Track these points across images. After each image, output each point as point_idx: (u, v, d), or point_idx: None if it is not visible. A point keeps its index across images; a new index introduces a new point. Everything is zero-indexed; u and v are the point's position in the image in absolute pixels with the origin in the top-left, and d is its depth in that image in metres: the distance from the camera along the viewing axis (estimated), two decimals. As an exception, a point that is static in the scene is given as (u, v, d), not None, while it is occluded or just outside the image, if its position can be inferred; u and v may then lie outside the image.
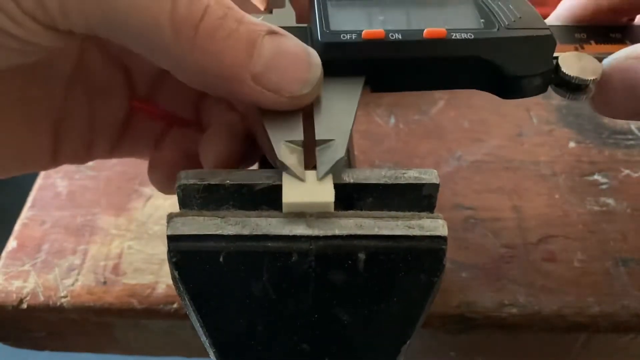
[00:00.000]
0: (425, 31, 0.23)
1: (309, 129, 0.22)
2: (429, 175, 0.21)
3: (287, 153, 0.21)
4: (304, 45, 0.21)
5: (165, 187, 0.28)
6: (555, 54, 0.24)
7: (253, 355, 0.21)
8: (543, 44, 0.24)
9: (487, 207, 0.34)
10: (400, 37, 0.23)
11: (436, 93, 0.42)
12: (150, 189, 0.35)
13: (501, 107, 0.41)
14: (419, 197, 0.21)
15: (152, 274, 0.31)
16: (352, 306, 0.20)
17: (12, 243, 0.33)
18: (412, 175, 0.21)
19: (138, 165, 0.37)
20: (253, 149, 0.27)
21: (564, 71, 0.24)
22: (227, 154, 0.25)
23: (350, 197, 0.22)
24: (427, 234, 0.20)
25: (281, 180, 0.21)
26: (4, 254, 0.32)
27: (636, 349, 0.30)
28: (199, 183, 0.21)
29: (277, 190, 0.21)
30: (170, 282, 0.29)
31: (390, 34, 0.23)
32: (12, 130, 0.24)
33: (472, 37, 0.23)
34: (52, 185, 0.36)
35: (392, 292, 0.20)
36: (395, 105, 0.41)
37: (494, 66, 0.23)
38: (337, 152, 0.21)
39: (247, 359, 0.21)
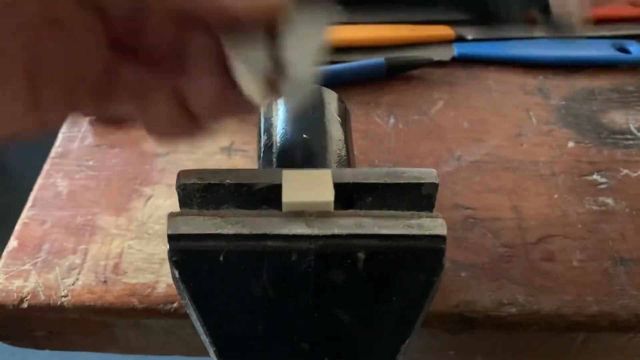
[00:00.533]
0: None
1: (276, 53, 0.21)
2: (429, 175, 0.22)
3: (249, 82, 0.21)
4: None
5: (165, 142, 0.27)
6: None
7: (253, 354, 0.21)
8: None
9: (487, 207, 0.34)
10: None
11: (435, 93, 0.42)
12: (150, 189, 0.35)
13: (501, 107, 0.41)
14: (418, 197, 0.22)
15: (152, 273, 0.31)
16: (351, 305, 0.20)
17: (12, 243, 0.33)
18: (411, 175, 0.22)
19: (138, 165, 0.37)
20: None
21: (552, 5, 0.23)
22: (216, 87, 0.24)
23: (350, 196, 0.22)
24: (427, 233, 0.20)
25: (281, 180, 0.21)
26: (4, 253, 0.33)
27: (635, 348, 0.30)
28: (198, 182, 0.21)
29: (276, 189, 0.21)
30: (171, 281, 0.29)
31: None
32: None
33: None
34: (53, 185, 0.36)
35: (392, 291, 0.20)
36: (395, 105, 0.41)
37: None
38: (305, 81, 0.21)
39: (246, 357, 0.21)
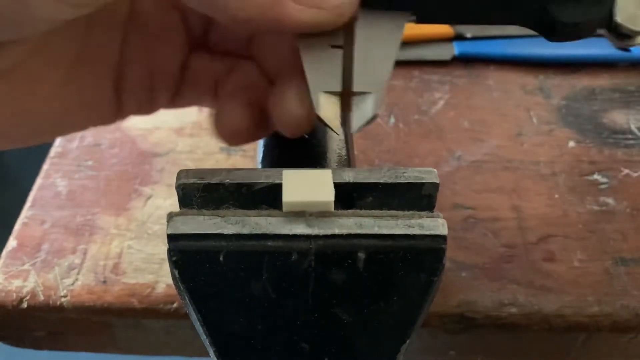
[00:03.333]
0: None
1: (347, 73, 0.21)
2: (429, 175, 0.21)
3: (324, 105, 0.21)
4: None
5: (232, 141, 0.27)
6: None
7: (253, 355, 0.21)
8: None
9: (487, 206, 0.34)
10: None
11: (436, 93, 0.42)
12: (150, 189, 0.35)
13: (501, 107, 0.41)
14: (418, 197, 0.22)
15: (152, 273, 0.31)
16: (351, 305, 0.20)
17: (12, 242, 0.33)
18: (412, 174, 0.22)
19: (138, 165, 0.37)
20: None
21: (618, 19, 0.23)
22: (303, 112, 0.24)
23: (350, 196, 0.22)
24: (427, 233, 0.20)
25: (281, 180, 0.21)
26: (4, 253, 0.32)
27: (636, 348, 0.30)
28: (198, 182, 0.21)
29: (277, 189, 0.21)
30: (170, 281, 0.29)
31: None
32: (75, 84, 0.24)
33: None
34: (52, 185, 0.36)
35: (392, 291, 0.20)
36: (395, 105, 0.41)
37: (543, 5, 0.22)
38: (373, 107, 0.21)
39: (246, 358, 0.21)
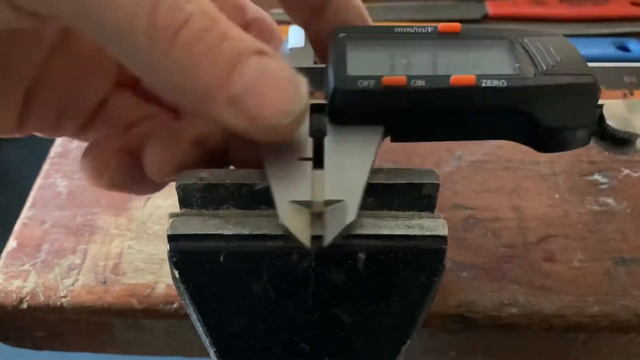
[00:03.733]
0: (451, 78, 0.21)
1: (318, 181, 0.20)
2: (429, 175, 0.22)
3: (291, 215, 0.19)
4: (293, 71, 0.19)
5: (94, 177, 0.24)
6: (600, 102, 0.22)
7: (253, 355, 0.21)
8: (585, 93, 0.22)
9: (487, 207, 0.34)
10: (424, 84, 0.21)
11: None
12: (150, 189, 0.35)
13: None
14: (419, 197, 0.22)
15: (152, 273, 0.31)
16: (352, 306, 0.20)
17: (12, 243, 0.33)
18: (412, 175, 0.22)
19: (138, 165, 0.37)
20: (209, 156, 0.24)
21: (609, 123, 0.22)
22: (172, 154, 0.23)
23: (350, 196, 0.22)
24: (428, 233, 0.20)
25: (281, 180, 0.21)
26: (4, 253, 0.32)
27: (636, 348, 0.30)
28: (199, 182, 0.21)
29: (277, 189, 0.21)
30: (171, 281, 0.29)
31: (413, 81, 0.21)
32: None
33: (505, 84, 0.21)
34: (52, 185, 0.36)
35: (392, 291, 0.20)
36: (395, 105, 0.41)
37: (528, 117, 0.21)
38: (347, 215, 0.19)
39: (247, 358, 0.21)
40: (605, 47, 0.44)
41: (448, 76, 0.21)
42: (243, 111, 0.18)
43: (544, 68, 0.21)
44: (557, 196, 0.35)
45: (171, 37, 0.17)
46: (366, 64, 0.22)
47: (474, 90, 0.21)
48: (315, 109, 0.22)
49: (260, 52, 0.19)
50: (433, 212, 0.22)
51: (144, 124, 0.26)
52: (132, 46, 0.18)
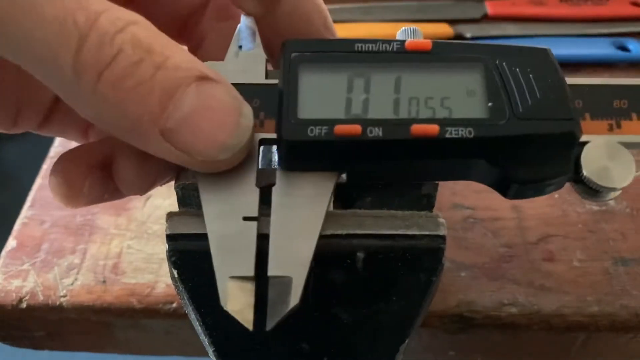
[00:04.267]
0: (412, 127, 0.19)
1: (264, 228, 0.19)
2: (428, 175, 0.21)
3: (233, 293, 0.18)
4: (237, 98, 0.18)
5: (69, 201, 0.22)
6: (582, 138, 0.20)
7: (252, 354, 0.21)
8: (563, 143, 0.20)
9: (487, 206, 0.34)
10: (380, 134, 0.19)
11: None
12: (149, 189, 0.35)
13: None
14: (418, 197, 0.22)
15: (151, 273, 0.31)
16: (351, 305, 0.20)
17: (11, 242, 0.33)
18: (411, 174, 0.21)
19: (137, 165, 0.37)
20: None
21: (586, 174, 0.20)
22: (146, 169, 0.22)
23: (349, 196, 0.22)
24: (426, 233, 0.20)
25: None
26: (3, 253, 0.32)
27: (635, 348, 0.30)
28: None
29: (276, 189, 0.21)
30: (170, 281, 0.29)
31: (369, 129, 0.19)
32: None
33: (472, 134, 0.19)
34: (52, 185, 0.36)
35: (391, 291, 0.20)
36: (394, 105, 0.41)
37: (498, 169, 0.19)
38: (291, 297, 0.18)
39: (246, 357, 0.21)
40: (605, 47, 0.44)
41: (409, 124, 0.19)
42: (177, 145, 0.17)
43: (520, 110, 0.19)
44: (556, 196, 0.35)
45: (97, 74, 0.16)
46: (320, 101, 0.20)
47: (437, 141, 0.19)
48: (265, 142, 0.20)
49: (201, 79, 0.17)
50: (432, 212, 0.22)
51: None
52: (58, 80, 0.17)
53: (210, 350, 0.21)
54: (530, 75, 0.20)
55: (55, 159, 0.37)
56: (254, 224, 0.19)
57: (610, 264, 0.31)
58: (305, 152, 0.19)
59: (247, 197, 0.19)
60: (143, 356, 0.35)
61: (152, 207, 0.34)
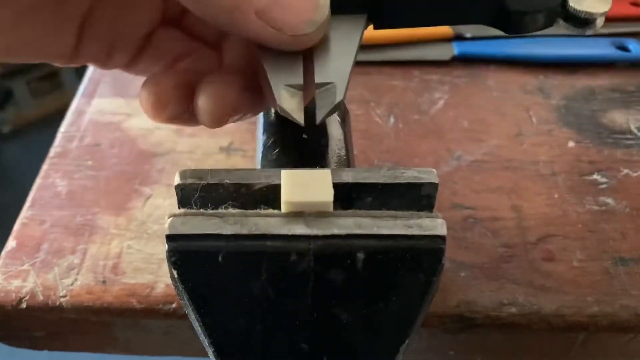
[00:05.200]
0: None
1: (309, 70, 0.22)
2: (428, 175, 0.21)
3: (286, 97, 0.21)
4: None
5: (153, 113, 0.25)
6: None
7: (252, 355, 0.21)
8: None
9: (487, 206, 0.34)
10: None
11: (435, 93, 0.42)
12: (149, 189, 0.35)
13: (501, 106, 0.41)
14: (418, 197, 0.22)
15: (151, 273, 0.31)
16: (351, 305, 0.20)
17: (11, 243, 0.33)
18: (411, 174, 0.21)
19: (137, 165, 0.37)
20: (256, 98, 0.26)
21: (572, 5, 0.23)
22: (223, 101, 0.25)
23: (349, 196, 0.22)
24: (426, 233, 0.20)
25: (280, 180, 0.21)
26: (3, 253, 0.32)
27: (635, 348, 0.30)
28: (197, 182, 0.21)
29: (276, 189, 0.21)
30: (170, 281, 0.29)
31: None
32: (38, 21, 0.24)
33: None
34: (52, 185, 0.36)
35: (391, 291, 0.20)
36: (394, 105, 0.41)
37: (498, 2, 0.23)
38: (336, 95, 0.21)
39: (246, 358, 0.21)
40: (605, 47, 0.44)
41: None
42: (270, 22, 0.20)
43: None
44: (556, 196, 0.35)
45: None
46: None
47: None
48: None
49: None
50: (432, 212, 0.21)
51: (189, 59, 0.28)
52: None
53: (209, 351, 0.21)
54: None
55: (54, 159, 0.37)
56: (300, 56, 0.22)
57: (610, 264, 0.31)
58: None
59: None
60: (143, 356, 0.35)
61: (152, 207, 0.34)
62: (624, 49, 0.44)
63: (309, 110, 0.22)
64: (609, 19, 0.46)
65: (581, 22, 0.24)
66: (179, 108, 0.25)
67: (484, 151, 0.38)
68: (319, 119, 0.21)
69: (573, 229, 0.33)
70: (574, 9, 0.23)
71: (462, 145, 0.38)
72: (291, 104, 0.21)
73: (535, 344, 0.31)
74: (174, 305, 0.30)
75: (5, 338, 0.33)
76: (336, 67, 0.22)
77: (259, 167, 0.28)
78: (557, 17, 0.24)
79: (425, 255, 0.20)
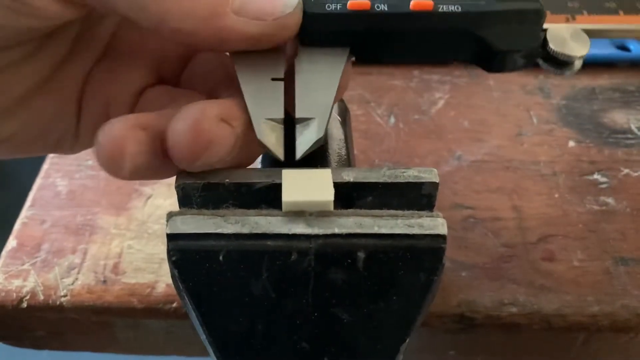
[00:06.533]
0: (412, 2, 0.23)
1: (290, 102, 0.22)
2: (429, 174, 0.21)
3: (267, 132, 0.21)
4: None
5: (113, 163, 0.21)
6: (545, 26, 0.24)
7: (253, 354, 0.21)
8: (532, 18, 0.24)
9: (487, 206, 0.34)
10: (386, 8, 0.23)
11: (436, 93, 0.42)
12: (150, 189, 0.35)
13: (501, 107, 0.41)
14: (418, 196, 0.22)
15: (152, 273, 0.31)
16: (351, 305, 0.20)
17: (12, 242, 0.33)
18: (411, 174, 0.22)
19: (138, 165, 0.37)
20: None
21: (552, 47, 0.24)
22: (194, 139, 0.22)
23: (349, 196, 0.22)
24: (427, 232, 0.20)
25: (281, 179, 0.21)
26: (3, 253, 0.32)
27: (636, 348, 0.30)
28: (198, 182, 0.21)
29: (276, 188, 0.21)
30: (170, 281, 0.29)
31: (376, 5, 0.23)
32: (40, 108, 0.24)
33: (460, 9, 0.23)
34: (52, 185, 0.36)
35: (392, 290, 0.20)
36: (395, 105, 0.41)
37: (480, 40, 0.23)
38: (316, 131, 0.21)
39: (246, 357, 0.21)
40: (606, 47, 0.44)
41: (409, 1, 0.23)
42: (249, 14, 0.21)
43: None
44: (556, 196, 0.35)
45: None
46: None
47: (432, 14, 0.23)
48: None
49: None
50: (432, 212, 0.21)
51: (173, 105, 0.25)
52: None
53: (210, 350, 0.21)
54: None
55: (55, 158, 0.37)
56: (281, 83, 0.22)
57: (610, 264, 0.31)
58: (323, 24, 0.23)
59: (275, 64, 0.23)
60: (143, 356, 0.35)
61: (153, 207, 0.34)
62: (624, 48, 0.44)
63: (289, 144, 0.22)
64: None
65: (560, 63, 0.24)
66: (142, 158, 0.21)
67: (484, 151, 0.38)
68: (298, 155, 0.21)
69: (573, 228, 0.33)
70: (554, 50, 0.24)
71: (463, 145, 0.38)
72: (271, 139, 0.21)
73: (536, 344, 0.31)
74: (174, 305, 0.30)
75: (5, 337, 0.33)
76: (317, 101, 0.22)
77: (259, 166, 0.28)
78: (537, 57, 0.24)
79: (426, 254, 0.20)
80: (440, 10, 0.23)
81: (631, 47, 0.44)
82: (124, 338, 0.32)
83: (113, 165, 0.20)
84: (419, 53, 0.24)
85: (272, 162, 0.27)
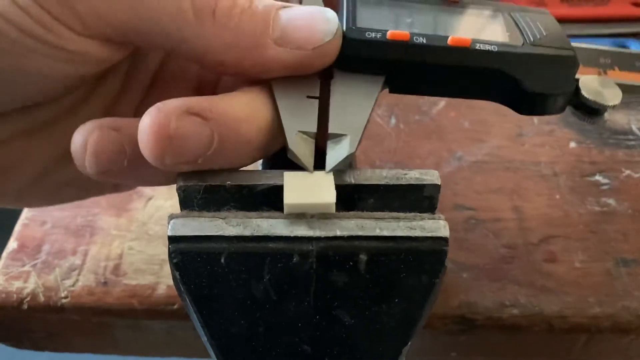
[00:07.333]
0: (449, 38, 0.23)
1: (323, 121, 0.22)
2: (430, 176, 0.21)
3: (299, 143, 0.21)
4: (317, 5, 0.22)
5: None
6: (577, 76, 0.24)
7: (254, 356, 0.21)
8: (566, 64, 0.24)
9: (488, 207, 0.34)
10: (424, 41, 0.23)
11: (437, 93, 0.42)
12: (151, 190, 0.35)
13: (501, 107, 0.41)
14: (420, 198, 0.21)
15: (152, 274, 0.31)
16: (353, 307, 0.20)
17: (12, 244, 0.33)
18: (413, 176, 0.21)
19: (138, 166, 0.37)
20: None
21: (584, 94, 0.24)
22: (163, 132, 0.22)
23: (351, 198, 0.22)
24: (429, 234, 0.20)
25: (282, 181, 0.21)
26: (4, 254, 0.32)
27: (637, 349, 0.30)
28: (199, 184, 0.21)
29: (278, 191, 0.21)
30: (171, 282, 0.29)
31: (415, 37, 0.23)
32: (46, 190, 0.25)
33: (496, 49, 0.23)
34: (53, 186, 0.36)
35: (394, 293, 0.20)
36: (395, 106, 0.41)
37: (514, 81, 0.23)
38: (348, 147, 0.21)
39: (247, 359, 0.21)
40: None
41: (446, 37, 0.23)
42: (290, 44, 0.21)
43: (531, 39, 0.24)
44: (557, 197, 0.35)
45: (212, 9, 0.21)
46: (374, 19, 0.24)
47: (469, 51, 0.23)
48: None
49: (284, 6, 0.22)
50: (434, 213, 0.21)
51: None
52: (185, 28, 0.21)
53: (211, 352, 0.21)
54: (537, 22, 0.25)
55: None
56: (316, 100, 0.22)
57: (611, 265, 0.31)
58: (361, 50, 0.23)
59: (311, 84, 0.23)
60: (144, 357, 0.35)
61: (154, 208, 0.34)
62: (624, 49, 0.44)
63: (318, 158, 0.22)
64: (610, 19, 0.46)
65: (591, 111, 0.25)
66: (108, 155, 0.21)
67: (485, 152, 0.38)
68: (328, 169, 0.21)
69: (575, 229, 0.33)
70: (586, 98, 0.24)
71: (463, 145, 0.38)
72: (303, 150, 0.21)
73: (537, 345, 0.31)
74: (175, 306, 0.30)
75: (6, 339, 0.33)
76: (351, 120, 0.22)
77: (260, 168, 0.28)
78: (569, 103, 0.25)
79: (427, 257, 0.20)
80: (477, 48, 0.23)
81: (631, 47, 0.44)
82: (125, 339, 0.32)
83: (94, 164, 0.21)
84: (452, 88, 0.25)
85: (273, 164, 0.27)
